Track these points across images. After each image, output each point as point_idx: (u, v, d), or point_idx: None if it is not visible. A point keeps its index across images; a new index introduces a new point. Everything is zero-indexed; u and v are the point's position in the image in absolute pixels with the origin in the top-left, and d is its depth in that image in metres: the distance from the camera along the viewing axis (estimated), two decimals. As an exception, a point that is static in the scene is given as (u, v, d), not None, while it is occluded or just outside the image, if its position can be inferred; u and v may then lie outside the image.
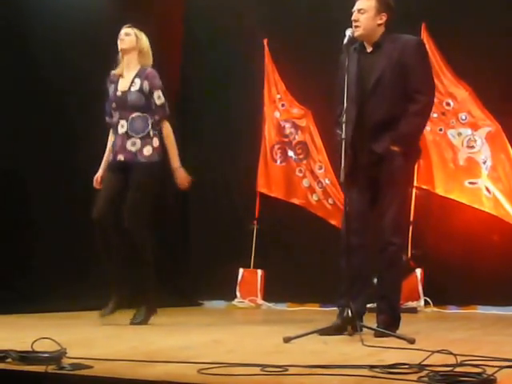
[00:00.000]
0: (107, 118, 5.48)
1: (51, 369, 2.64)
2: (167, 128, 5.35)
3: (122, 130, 5.30)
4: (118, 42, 5.38)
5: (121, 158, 5.26)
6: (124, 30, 5.39)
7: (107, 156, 5.48)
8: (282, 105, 8.39)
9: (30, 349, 2.94)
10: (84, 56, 6.89)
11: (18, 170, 6.63)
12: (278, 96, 8.39)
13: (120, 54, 5.41)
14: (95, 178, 5.45)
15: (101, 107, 5.54)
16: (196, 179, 8.55)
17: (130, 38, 5.36)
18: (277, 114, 8.41)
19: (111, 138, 5.47)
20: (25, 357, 2.81)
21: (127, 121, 5.27)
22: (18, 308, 5.91)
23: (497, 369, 2.58)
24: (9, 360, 2.81)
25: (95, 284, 6.45)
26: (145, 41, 5.42)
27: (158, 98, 5.30)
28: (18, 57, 6.61)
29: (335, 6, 7.04)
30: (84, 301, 6.29)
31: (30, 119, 6.62)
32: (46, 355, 2.82)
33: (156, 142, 5.31)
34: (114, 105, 5.37)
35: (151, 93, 5.29)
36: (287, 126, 8.35)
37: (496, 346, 3.88)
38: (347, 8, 4.57)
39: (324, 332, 4.12)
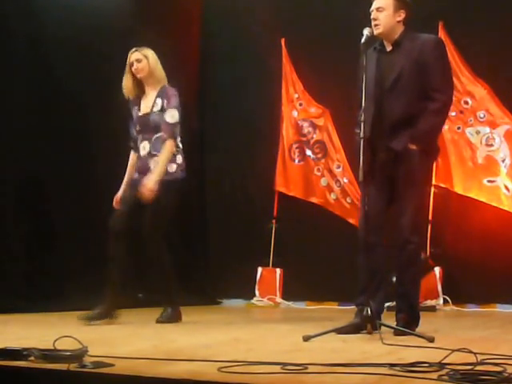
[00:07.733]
0: (132, 144, 5.46)
1: (73, 367, 2.66)
2: (169, 146, 5.19)
3: (143, 151, 5.28)
4: (132, 69, 5.32)
5: (143, 178, 5.18)
6: (134, 57, 5.33)
7: (127, 177, 5.45)
8: (300, 104, 8.39)
9: (52, 347, 2.96)
10: (103, 60, 6.90)
11: (39, 174, 6.68)
12: (296, 95, 8.39)
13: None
14: (115, 198, 5.41)
15: (120, 113, 5.58)
16: (215, 179, 8.68)
17: (142, 64, 5.31)
18: (295, 114, 8.42)
19: (133, 159, 5.45)
20: (47, 355, 2.83)
21: (150, 142, 5.25)
22: (39, 306, 5.97)
23: (517, 367, 2.58)
24: (31, 358, 2.83)
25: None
26: (154, 58, 5.35)
27: (172, 116, 5.22)
28: (32, 59, 6.66)
29: (352, 4, 7.03)
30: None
31: (49, 123, 6.68)
32: (68, 353, 2.84)
33: (179, 158, 5.30)
34: (137, 127, 5.34)
35: (164, 110, 5.23)
36: (305, 125, 8.35)
37: (516, 345, 3.88)
38: (364, 6, 4.57)
39: (343, 330, 4.13)
